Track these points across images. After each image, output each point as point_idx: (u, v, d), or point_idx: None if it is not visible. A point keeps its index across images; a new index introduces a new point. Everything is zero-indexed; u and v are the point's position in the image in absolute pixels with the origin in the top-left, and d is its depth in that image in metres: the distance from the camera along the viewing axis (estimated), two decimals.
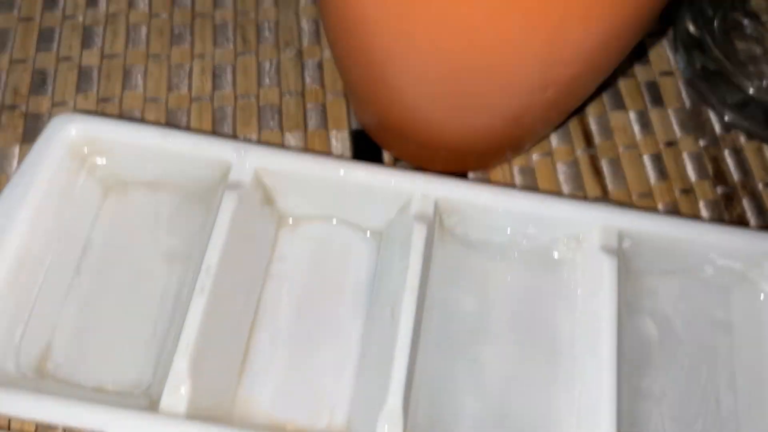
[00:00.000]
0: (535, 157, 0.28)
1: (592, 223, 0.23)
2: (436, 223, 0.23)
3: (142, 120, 0.27)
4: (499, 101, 0.22)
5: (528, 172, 0.27)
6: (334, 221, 0.25)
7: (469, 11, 0.18)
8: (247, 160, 0.24)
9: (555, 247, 0.24)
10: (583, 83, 0.23)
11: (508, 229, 0.24)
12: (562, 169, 0.27)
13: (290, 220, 0.25)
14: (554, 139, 0.28)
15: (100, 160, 0.24)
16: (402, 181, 0.24)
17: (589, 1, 0.18)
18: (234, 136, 0.27)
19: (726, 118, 0.29)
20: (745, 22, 0.30)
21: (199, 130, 0.27)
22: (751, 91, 0.28)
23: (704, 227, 0.24)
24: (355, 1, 0.20)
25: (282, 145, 0.27)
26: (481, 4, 0.18)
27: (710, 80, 0.29)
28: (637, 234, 0.23)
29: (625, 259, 0.23)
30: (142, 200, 0.25)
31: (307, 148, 0.27)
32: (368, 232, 0.25)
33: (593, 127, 0.28)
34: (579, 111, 0.29)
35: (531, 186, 0.27)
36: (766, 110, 0.28)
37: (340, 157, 0.27)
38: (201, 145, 0.24)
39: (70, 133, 0.24)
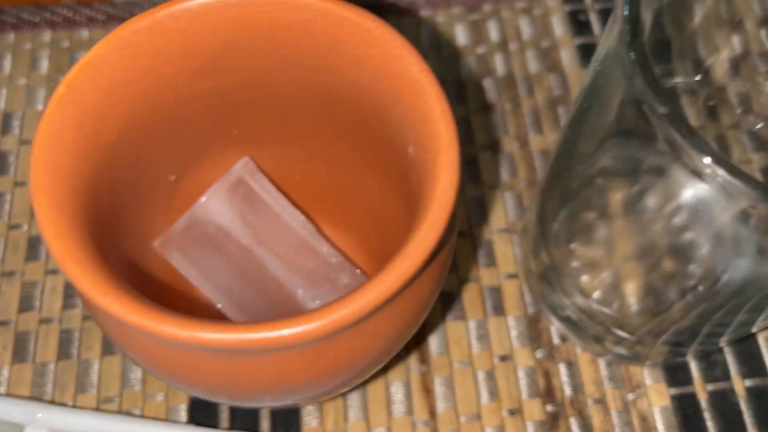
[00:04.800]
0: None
1: None
2: None
3: None
4: None
5: (359, 392, 0.28)
6: None
7: None
8: (39, 423, 0.25)
9: None
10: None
11: None
12: (394, 388, 0.28)
13: None
14: None
15: None
16: None
17: None
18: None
19: (557, 329, 0.29)
20: (596, 222, 0.30)
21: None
22: (578, 302, 0.28)
23: None
24: None
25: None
26: None
27: (543, 285, 0.29)
28: None
29: None
30: None
31: None
32: None
33: (431, 340, 0.29)
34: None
35: (364, 406, 0.28)
36: (595, 330, 0.28)
37: None
38: None
39: None
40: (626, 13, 0.18)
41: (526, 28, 0.37)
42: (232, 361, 0.18)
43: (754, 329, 0.27)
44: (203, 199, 0.26)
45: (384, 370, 0.29)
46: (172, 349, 0.18)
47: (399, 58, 0.20)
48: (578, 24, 0.37)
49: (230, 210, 0.27)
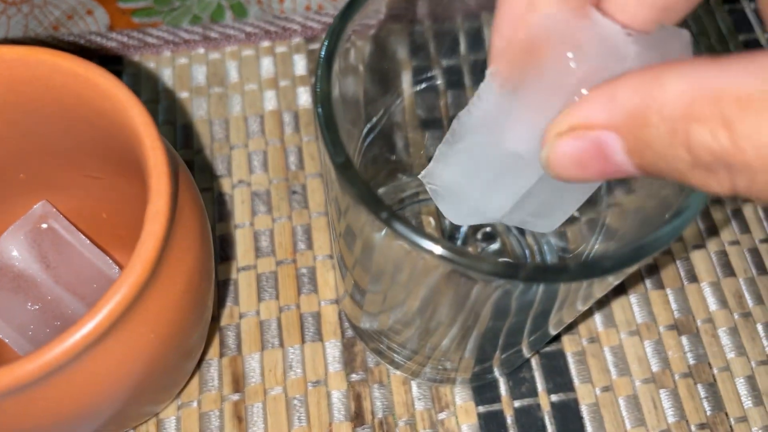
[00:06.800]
0: (183, 401, 0.29)
1: None
2: None
3: None
4: None
5: (175, 421, 0.29)
6: None
7: None
8: None
9: None
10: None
11: None
12: (207, 418, 0.29)
13: None
14: (195, 381, 0.30)
15: None
16: None
17: None
18: None
19: (369, 354, 0.30)
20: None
21: None
22: (381, 322, 0.29)
23: None
24: None
25: None
26: None
27: (352, 307, 0.30)
28: None
29: None
30: None
31: None
32: None
33: (248, 369, 0.30)
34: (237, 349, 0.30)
35: None
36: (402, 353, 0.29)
37: None
38: None
39: None
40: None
41: None
42: None
43: (552, 331, 0.27)
44: None
45: (194, 398, 0.29)
46: None
47: (124, 111, 0.20)
48: None
49: (28, 252, 0.27)
